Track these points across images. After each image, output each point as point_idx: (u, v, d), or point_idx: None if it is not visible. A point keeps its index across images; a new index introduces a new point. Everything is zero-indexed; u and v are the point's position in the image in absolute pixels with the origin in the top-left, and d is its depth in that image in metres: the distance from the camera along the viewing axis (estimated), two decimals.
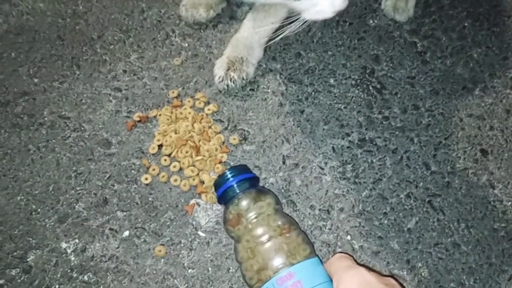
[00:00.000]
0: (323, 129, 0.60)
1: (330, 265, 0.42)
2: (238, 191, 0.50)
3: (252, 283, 0.46)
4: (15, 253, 0.57)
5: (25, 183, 0.61)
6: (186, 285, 0.54)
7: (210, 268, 0.54)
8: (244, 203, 0.48)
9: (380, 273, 0.39)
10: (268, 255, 0.45)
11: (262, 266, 0.45)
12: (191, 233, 0.56)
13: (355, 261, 0.42)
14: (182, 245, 0.56)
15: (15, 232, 0.58)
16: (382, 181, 0.56)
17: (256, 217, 0.47)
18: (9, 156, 0.63)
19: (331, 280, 0.42)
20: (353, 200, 0.55)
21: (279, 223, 0.47)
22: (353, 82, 0.62)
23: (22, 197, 0.60)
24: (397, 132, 0.58)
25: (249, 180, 0.51)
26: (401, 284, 0.39)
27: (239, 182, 0.50)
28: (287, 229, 0.46)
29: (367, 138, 0.58)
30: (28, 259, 0.57)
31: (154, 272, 0.55)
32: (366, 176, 0.56)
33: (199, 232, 0.56)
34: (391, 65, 0.63)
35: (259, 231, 0.46)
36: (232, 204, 0.49)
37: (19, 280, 0.56)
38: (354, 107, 0.60)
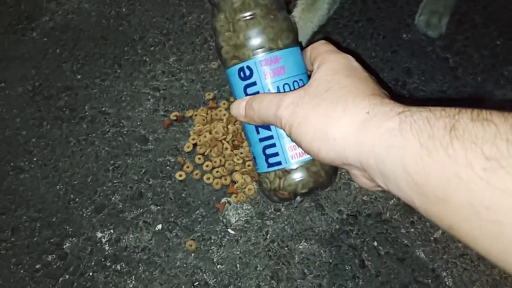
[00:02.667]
0: None
1: (312, 49, 0.39)
2: None
3: (226, 57, 0.43)
4: (52, 240, 0.60)
5: (64, 173, 0.64)
6: (215, 280, 0.56)
7: (238, 265, 0.56)
8: None
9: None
10: (249, 33, 0.41)
11: (241, 43, 0.41)
12: (221, 230, 0.58)
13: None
14: (212, 241, 0.58)
15: (53, 220, 0.61)
16: None
17: None
18: (51, 147, 0.66)
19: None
20: (381, 207, 0.56)
21: (267, 2, 0.42)
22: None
23: (61, 187, 0.63)
24: None
25: None
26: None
27: None
28: (274, 10, 0.42)
29: None
30: (64, 246, 0.59)
31: (184, 265, 0.57)
32: None
33: (229, 230, 0.58)
34: (422, 78, 0.64)
35: (244, 5, 0.42)
36: None
37: (54, 266, 0.58)
38: None
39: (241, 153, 0.62)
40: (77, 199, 0.62)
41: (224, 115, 0.64)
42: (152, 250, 0.58)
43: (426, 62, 0.66)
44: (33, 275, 0.58)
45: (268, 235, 0.57)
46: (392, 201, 0.57)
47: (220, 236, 0.58)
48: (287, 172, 0.40)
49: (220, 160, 0.62)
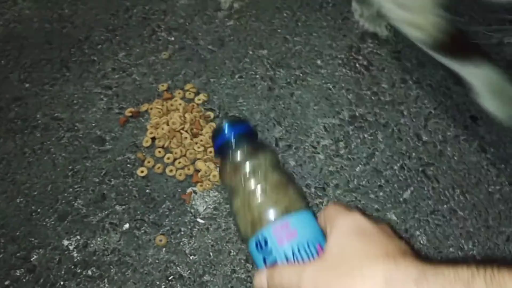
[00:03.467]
0: (314, 109, 0.60)
1: (323, 215, 0.41)
2: (234, 145, 0.49)
3: (247, 236, 0.46)
4: (18, 254, 0.58)
5: (23, 185, 0.62)
6: (189, 271, 0.54)
7: (211, 253, 0.55)
8: (240, 157, 0.48)
9: (375, 219, 0.38)
10: (262, 208, 0.45)
11: (257, 218, 0.44)
12: (190, 220, 0.57)
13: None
14: (182, 233, 0.56)
15: (17, 234, 0.59)
16: (375, 155, 0.56)
17: (252, 171, 0.47)
18: (6, 160, 0.64)
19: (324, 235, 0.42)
20: (348, 176, 0.56)
21: (276, 178, 0.47)
22: (340, 62, 0.63)
23: (22, 199, 0.61)
24: (386, 106, 0.59)
25: (246, 133, 0.51)
26: (395, 232, 0.38)
27: (235, 135, 0.50)
28: (284, 185, 0.46)
29: (357, 115, 0.59)
30: (31, 259, 0.57)
31: (157, 261, 0.55)
32: (359, 151, 0.57)
33: (198, 219, 0.57)
34: (376, 41, 0.64)
35: (254, 185, 0.46)
36: (228, 158, 0.49)
37: (24, 280, 0.56)
38: (343, 85, 0.61)
39: (201, 140, 0.60)
40: (39, 210, 0.60)
41: (180, 104, 0.63)
42: (122, 250, 0.56)
43: None
44: None
45: None
46: (358, 167, 0.56)
47: (189, 227, 0.57)
48: None
49: (181, 151, 0.60)
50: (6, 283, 0.56)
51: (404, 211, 0.53)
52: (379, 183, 0.55)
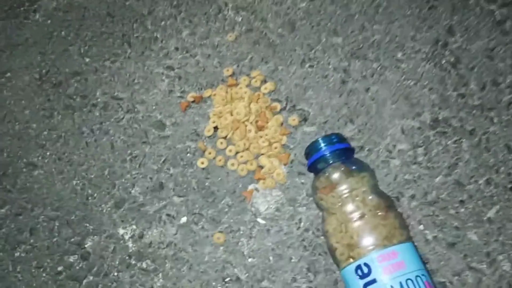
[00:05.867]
0: (391, 108, 0.55)
1: None
2: (330, 162, 0.47)
3: (341, 258, 0.43)
4: (72, 239, 0.56)
5: (80, 166, 0.60)
6: (247, 274, 0.52)
7: (271, 257, 0.52)
8: (336, 175, 0.46)
9: None
10: (361, 233, 0.42)
11: (354, 243, 0.42)
12: (250, 220, 0.54)
13: None
14: (241, 232, 0.54)
15: (72, 218, 0.57)
16: (458, 166, 0.51)
17: (349, 192, 0.44)
18: (63, 139, 0.62)
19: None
20: (426, 186, 0.51)
21: (375, 202, 0.44)
22: (424, 56, 0.57)
23: (78, 182, 0.59)
24: (474, 111, 0.53)
25: (343, 151, 0.48)
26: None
27: (332, 152, 0.47)
28: (384, 209, 0.43)
29: (440, 118, 0.53)
30: (85, 246, 0.56)
31: (213, 260, 0.53)
32: (440, 160, 0.51)
33: (259, 219, 0.54)
34: (466, 36, 0.57)
35: (352, 207, 0.44)
36: (322, 175, 0.46)
37: (77, 267, 0.55)
38: (426, 84, 0.55)
39: (266, 134, 0.56)
40: (95, 194, 0.58)
41: (245, 92, 0.59)
42: (178, 245, 0.54)
43: (469, 17, 0.58)
44: (55, 278, 0.55)
45: (302, 224, 0.52)
46: (438, 178, 0.51)
47: (249, 226, 0.54)
48: None
49: (244, 144, 0.56)
50: (60, 268, 0.55)
51: (487, 232, 0.48)
52: (460, 198, 0.50)
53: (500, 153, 0.51)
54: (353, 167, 0.46)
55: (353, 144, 0.54)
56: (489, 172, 0.50)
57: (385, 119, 0.55)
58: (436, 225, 0.49)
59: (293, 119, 0.57)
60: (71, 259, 0.55)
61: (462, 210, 0.49)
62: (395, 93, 0.55)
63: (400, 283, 0.40)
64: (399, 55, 0.57)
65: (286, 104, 0.58)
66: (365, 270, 0.41)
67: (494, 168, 0.50)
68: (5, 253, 0.57)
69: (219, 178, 0.56)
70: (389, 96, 0.56)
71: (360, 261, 0.42)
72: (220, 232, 0.54)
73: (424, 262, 0.47)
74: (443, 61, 0.56)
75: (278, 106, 0.58)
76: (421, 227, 0.49)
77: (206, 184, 0.56)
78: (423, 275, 0.41)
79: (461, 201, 0.50)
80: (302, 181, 0.54)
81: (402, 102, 0.55)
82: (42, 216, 0.58)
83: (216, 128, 0.58)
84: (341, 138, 0.49)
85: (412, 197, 0.51)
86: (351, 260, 0.43)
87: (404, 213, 0.50)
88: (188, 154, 0.58)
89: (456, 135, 0.52)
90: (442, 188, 0.50)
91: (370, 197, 0.44)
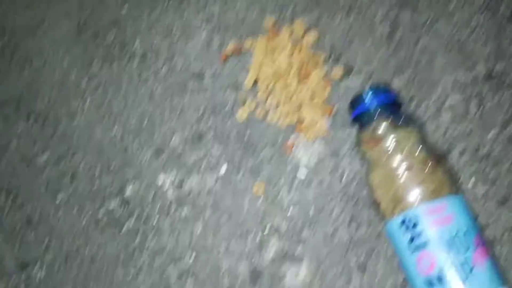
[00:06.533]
0: (442, 61, 0.53)
1: None
2: (376, 115, 0.45)
3: (387, 212, 0.43)
4: (112, 186, 0.57)
5: (119, 115, 0.60)
6: (287, 225, 0.51)
7: (312, 209, 0.51)
8: (382, 129, 0.44)
9: None
10: (407, 186, 0.41)
11: (400, 196, 0.41)
12: (291, 172, 0.53)
13: None
14: (281, 184, 0.53)
15: (112, 165, 0.58)
16: None
17: (395, 145, 0.43)
18: (103, 87, 0.62)
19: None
20: (477, 141, 0.49)
21: (423, 155, 0.42)
22: (478, 6, 0.54)
23: (118, 130, 0.59)
24: None
25: (390, 103, 0.46)
26: None
27: (378, 104, 0.46)
28: (433, 163, 0.42)
29: (495, 71, 0.51)
30: (126, 192, 0.56)
31: (253, 210, 0.53)
32: (493, 115, 0.49)
33: (300, 171, 0.53)
34: None
35: (398, 160, 0.42)
36: (368, 128, 0.45)
37: (118, 213, 0.56)
38: (480, 35, 0.53)
39: (308, 86, 0.55)
40: (134, 143, 0.58)
41: (288, 42, 0.57)
42: (217, 194, 0.54)
43: None
44: (97, 222, 0.56)
45: (344, 176, 0.51)
46: (490, 133, 0.49)
47: (290, 178, 0.53)
48: None
49: (286, 95, 0.55)
50: (101, 214, 0.56)
51: None
52: None
53: None
54: (400, 121, 0.45)
55: (401, 97, 0.52)
56: None
57: (436, 72, 0.52)
58: (487, 181, 0.47)
59: (337, 71, 0.55)
60: (112, 205, 0.56)
61: None
62: (447, 45, 0.53)
63: (449, 236, 0.39)
64: (452, 4, 0.54)
65: (330, 55, 0.56)
66: (412, 223, 0.40)
67: None
68: (47, 197, 0.58)
69: (260, 130, 0.55)
70: (440, 48, 0.53)
71: (407, 214, 0.41)
72: (259, 183, 0.53)
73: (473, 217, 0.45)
74: (499, 12, 0.53)
75: (322, 57, 0.56)
76: (471, 182, 0.48)
77: (246, 135, 0.55)
78: (473, 230, 0.40)
79: None
80: (346, 133, 0.53)
81: (454, 54, 0.53)
82: (83, 163, 0.58)
83: (256, 79, 0.57)
84: (388, 90, 0.47)
85: (463, 152, 0.49)
86: (396, 213, 0.42)
87: (454, 168, 0.48)
88: (228, 105, 0.57)
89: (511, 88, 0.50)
90: (495, 143, 0.48)
91: (417, 151, 0.43)
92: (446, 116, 0.50)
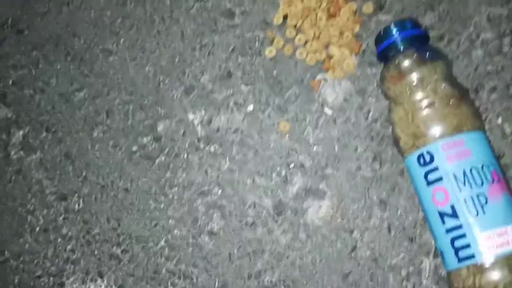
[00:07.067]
0: None
1: None
2: (401, 49, 0.45)
3: (405, 147, 0.43)
4: (145, 122, 0.59)
5: (152, 54, 0.61)
6: (311, 161, 0.52)
7: (336, 146, 0.52)
8: (406, 63, 0.44)
9: None
10: (428, 122, 0.41)
11: (420, 132, 0.41)
12: (317, 109, 0.53)
13: None
14: (307, 121, 0.53)
15: (145, 102, 0.60)
16: None
17: (419, 81, 0.42)
18: (136, 27, 0.63)
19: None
20: (509, 78, 0.47)
21: (448, 91, 0.42)
22: None
23: (150, 68, 0.61)
24: None
25: (416, 37, 0.45)
26: None
27: (404, 38, 0.45)
28: (457, 98, 0.41)
29: None
30: (158, 128, 0.58)
31: (279, 147, 0.54)
32: None
33: (326, 109, 0.53)
34: None
35: (421, 95, 0.42)
36: (392, 63, 0.45)
37: (150, 148, 0.58)
38: None
39: (338, 22, 0.54)
40: (166, 81, 0.60)
41: None
42: (244, 131, 0.55)
43: None
44: (130, 156, 0.58)
45: (370, 114, 0.51)
46: None
47: (316, 116, 0.53)
48: (483, 267, 0.37)
49: (314, 32, 0.54)
50: (134, 148, 0.58)
51: None
52: None
53: None
54: (427, 55, 0.44)
55: (433, 33, 0.50)
56: None
57: (470, 6, 0.50)
58: None
59: (368, 7, 0.54)
60: (145, 140, 0.58)
61: None
62: None
63: (464, 171, 0.39)
64: None
65: None
66: (428, 158, 0.40)
67: None
68: (84, 133, 0.61)
69: (287, 68, 0.55)
70: None
71: (423, 149, 0.41)
72: (286, 120, 0.54)
73: (497, 155, 0.45)
74: None
75: None
76: (500, 120, 0.46)
77: (274, 73, 0.56)
78: (491, 164, 0.39)
79: None
80: (373, 71, 0.52)
81: None
82: (117, 100, 0.61)
83: (286, 16, 0.57)
84: (415, 24, 0.46)
85: (493, 89, 0.47)
86: (415, 148, 0.42)
87: (482, 106, 0.47)
88: (257, 43, 0.57)
89: None
90: None
91: (442, 86, 0.42)
92: (478, 52, 0.49)
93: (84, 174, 0.59)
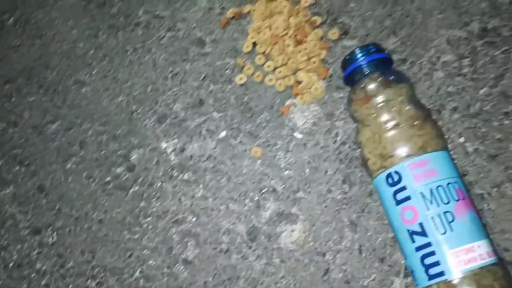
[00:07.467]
0: (437, 18, 0.52)
1: None
2: (366, 73, 0.46)
3: (374, 168, 0.44)
4: (119, 152, 0.59)
5: (124, 84, 0.62)
6: (283, 186, 0.53)
7: (307, 170, 0.52)
8: (372, 86, 0.45)
9: None
10: (394, 142, 0.42)
11: (387, 153, 0.42)
12: (288, 134, 0.54)
13: None
14: (278, 146, 0.54)
15: (118, 132, 0.60)
16: (505, 77, 0.48)
17: (385, 102, 0.43)
18: (109, 57, 0.64)
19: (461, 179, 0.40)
20: (469, 98, 0.49)
21: (412, 112, 0.43)
22: None
23: (123, 98, 0.61)
24: None
25: (380, 61, 0.47)
26: None
27: (369, 62, 0.46)
28: (421, 119, 0.43)
29: (489, 28, 0.50)
30: (131, 158, 0.59)
31: (251, 172, 0.54)
32: (486, 71, 0.49)
33: (296, 134, 0.54)
34: None
35: (387, 116, 0.43)
36: (358, 86, 0.46)
37: (124, 178, 0.58)
38: None
39: (305, 48, 0.55)
40: (139, 110, 0.60)
41: (285, 6, 0.57)
42: (217, 158, 0.56)
43: None
44: (104, 187, 0.58)
45: (338, 137, 0.52)
46: (482, 90, 0.48)
47: (286, 140, 0.54)
48: (452, 284, 0.38)
49: (283, 59, 0.56)
50: (108, 179, 0.58)
51: None
52: (505, 110, 0.47)
53: None
54: (391, 78, 0.45)
55: (396, 57, 0.52)
56: None
57: (431, 30, 0.52)
58: (478, 137, 0.47)
59: (333, 33, 0.55)
60: (118, 170, 0.58)
61: (506, 122, 0.47)
62: (442, 3, 0.52)
63: (431, 189, 0.40)
64: None
65: (327, 17, 0.56)
66: (396, 177, 0.41)
67: None
68: (58, 165, 0.61)
69: (257, 94, 0.56)
70: (436, 5, 0.53)
71: (391, 169, 0.42)
72: (257, 146, 0.55)
73: (461, 174, 0.46)
74: None
75: (318, 20, 0.56)
76: (462, 139, 0.48)
77: (245, 99, 0.57)
78: (455, 182, 0.40)
79: (506, 113, 0.47)
80: (340, 95, 0.53)
81: (449, 11, 0.52)
82: (91, 131, 0.61)
83: (255, 44, 0.58)
84: (378, 48, 0.48)
85: (455, 109, 0.49)
86: (383, 169, 0.43)
87: (445, 126, 0.48)
88: (227, 71, 0.58)
89: (506, 44, 0.49)
90: (487, 100, 0.48)
91: (407, 107, 0.43)
92: (439, 74, 0.50)
93: (57, 206, 0.59)
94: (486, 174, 0.46)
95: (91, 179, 0.59)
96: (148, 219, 0.56)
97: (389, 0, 0.54)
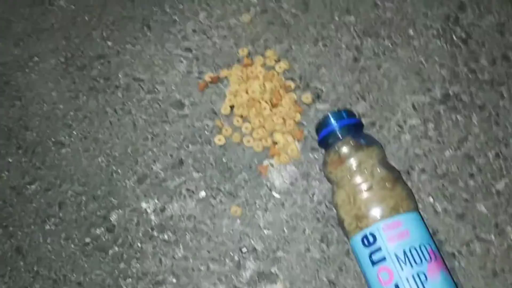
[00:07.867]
0: (402, 84, 0.56)
1: None
2: (339, 137, 0.49)
3: (349, 229, 0.46)
4: (98, 213, 0.60)
5: (105, 145, 0.63)
6: (263, 245, 0.54)
7: (286, 229, 0.54)
8: (345, 150, 0.48)
9: None
10: (368, 204, 0.44)
11: (362, 214, 0.44)
12: (266, 194, 0.56)
13: None
14: (257, 206, 0.56)
15: (98, 193, 0.61)
16: (468, 140, 0.52)
17: (357, 165, 0.46)
18: (89, 119, 0.65)
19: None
20: (436, 160, 0.52)
21: (383, 174, 0.45)
22: (435, 33, 0.57)
23: (103, 159, 0.62)
24: (484, 86, 0.54)
25: (352, 125, 0.50)
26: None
27: (341, 127, 0.49)
28: (392, 181, 0.45)
29: (451, 94, 0.54)
30: (111, 219, 0.59)
31: (231, 232, 0.55)
32: (450, 134, 0.53)
33: (274, 193, 0.56)
34: (477, 12, 0.58)
35: (360, 179, 0.45)
36: (332, 150, 0.48)
37: (103, 239, 0.58)
38: (437, 60, 0.56)
39: (281, 112, 0.58)
40: (119, 171, 0.61)
41: (260, 72, 0.61)
42: (197, 218, 0.57)
43: None
44: (83, 248, 0.59)
45: (315, 197, 0.55)
46: (448, 152, 0.52)
47: (265, 200, 0.56)
48: None
49: (259, 121, 0.59)
50: (87, 240, 0.59)
51: (495, 203, 0.50)
52: (470, 171, 0.51)
53: (509, 127, 0.52)
54: (362, 141, 0.48)
55: (365, 120, 0.55)
56: (498, 145, 0.51)
57: (397, 95, 0.56)
58: (446, 197, 0.50)
59: (307, 97, 0.59)
60: (98, 231, 0.59)
61: (472, 182, 0.51)
62: (406, 70, 0.57)
63: (404, 251, 0.42)
64: (411, 32, 0.58)
65: (300, 82, 0.60)
66: (371, 239, 0.43)
67: (503, 141, 0.51)
68: (36, 226, 0.61)
69: (236, 155, 0.58)
70: (400, 72, 0.57)
71: (366, 231, 0.44)
72: (237, 205, 0.56)
73: (432, 232, 0.49)
74: (454, 37, 0.57)
75: (292, 85, 0.60)
76: (431, 199, 0.51)
77: (224, 160, 0.59)
78: (428, 243, 0.43)
79: (471, 174, 0.51)
80: (315, 156, 0.56)
81: (413, 78, 0.56)
82: (70, 191, 0.61)
83: (232, 106, 0.61)
84: (350, 113, 0.51)
85: (423, 170, 0.52)
86: (358, 230, 0.45)
87: (414, 186, 0.51)
88: (206, 132, 0.61)
89: (466, 109, 0.53)
90: (452, 162, 0.52)
91: (378, 170, 0.46)
92: (407, 137, 0.54)
93: (35, 269, 0.59)
94: (455, 233, 0.49)
95: (70, 240, 0.59)
96: (128, 280, 0.56)
97: (357, 67, 0.58)
